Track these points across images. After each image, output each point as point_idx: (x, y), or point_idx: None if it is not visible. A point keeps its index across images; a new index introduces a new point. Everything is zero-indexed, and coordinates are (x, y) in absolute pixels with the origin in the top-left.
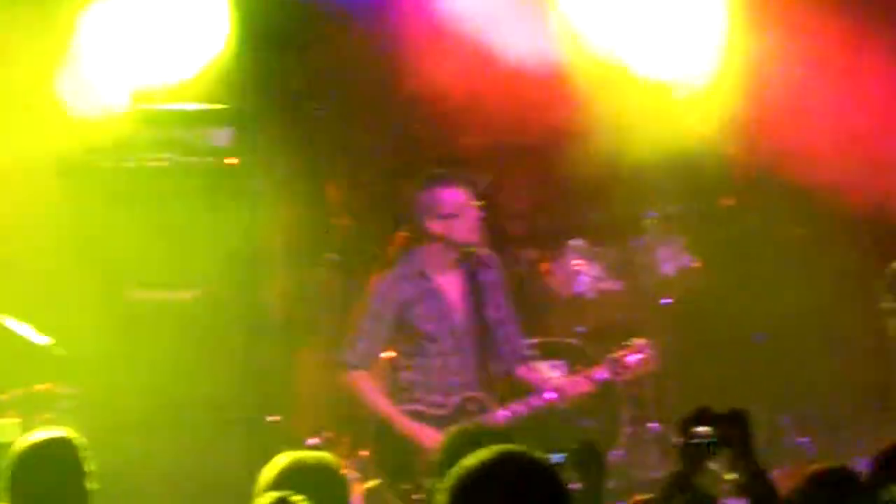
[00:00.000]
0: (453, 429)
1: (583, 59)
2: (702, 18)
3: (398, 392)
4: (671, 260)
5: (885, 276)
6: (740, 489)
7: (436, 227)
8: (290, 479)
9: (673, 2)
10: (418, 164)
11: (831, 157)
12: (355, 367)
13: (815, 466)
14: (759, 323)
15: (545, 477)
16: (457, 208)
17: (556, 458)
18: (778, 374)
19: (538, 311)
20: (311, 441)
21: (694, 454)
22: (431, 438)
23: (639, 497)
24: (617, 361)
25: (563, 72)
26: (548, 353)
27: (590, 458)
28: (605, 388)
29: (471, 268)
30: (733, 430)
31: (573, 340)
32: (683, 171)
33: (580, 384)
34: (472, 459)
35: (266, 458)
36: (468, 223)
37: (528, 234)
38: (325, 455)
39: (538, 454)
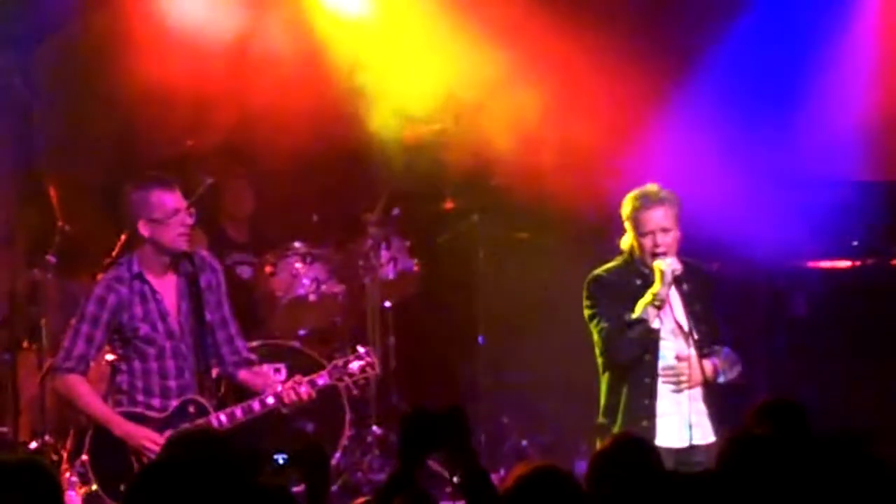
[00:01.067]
0: (175, 432)
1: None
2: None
3: (118, 395)
4: (392, 263)
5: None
6: (459, 489)
7: (145, 229)
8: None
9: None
10: (140, 166)
11: (552, 164)
12: (71, 371)
13: (526, 465)
14: (480, 325)
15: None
16: (166, 213)
17: (279, 457)
18: (499, 376)
19: (260, 313)
20: (32, 445)
21: (412, 453)
22: (147, 437)
23: (360, 500)
24: (339, 368)
25: (289, 74)
26: (269, 355)
27: (315, 459)
28: (328, 390)
29: (190, 270)
30: (450, 429)
31: (294, 343)
32: (404, 174)
33: (301, 390)
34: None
35: None
36: (176, 229)
37: (250, 236)
38: (34, 456)
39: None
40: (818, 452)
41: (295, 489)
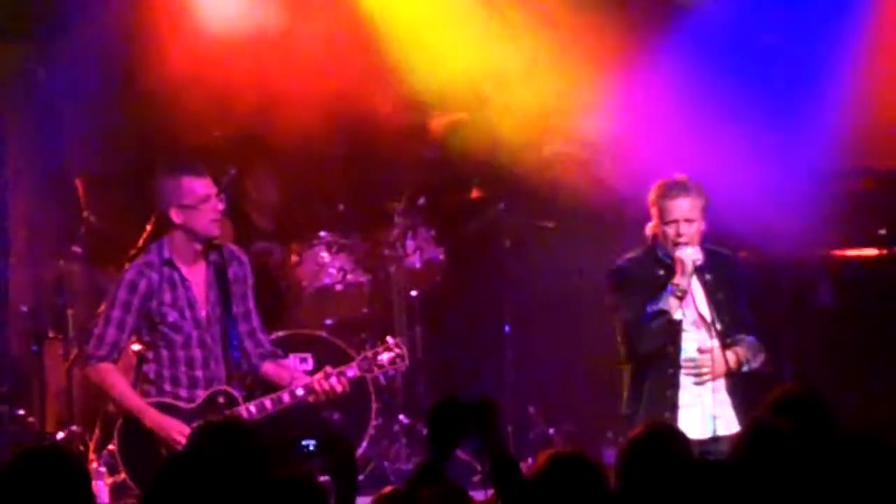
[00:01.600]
0: (202, 422)
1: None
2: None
3: (145, 384)
4: (418, 252)
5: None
6: (488, 478)
7: (177, 216)
8: (23, 470)
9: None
10: (165, 156)
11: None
12: (102, 360)
13: (553, 451)
14: (506, 314)
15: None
16: (198, 199)
17: (308, 443)
18: (525, 366)
19: (286, 303)
20: (59, 435)
21: (442, 443)
22: (178, 429)
23: (387, 489)
24: (369, 359)
25: (315, 63)
26: (295, 345)
27: (342, 447)
28: (355, 381)
29: (218, 261)
30: (481, 419)
31: (321, 333)
32: (431, 164)
33: (332, 382)
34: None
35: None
36: (209, 215)
37: (276, 226)
38: (60, 445)
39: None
40: (839, 448)
41: (322, 478)
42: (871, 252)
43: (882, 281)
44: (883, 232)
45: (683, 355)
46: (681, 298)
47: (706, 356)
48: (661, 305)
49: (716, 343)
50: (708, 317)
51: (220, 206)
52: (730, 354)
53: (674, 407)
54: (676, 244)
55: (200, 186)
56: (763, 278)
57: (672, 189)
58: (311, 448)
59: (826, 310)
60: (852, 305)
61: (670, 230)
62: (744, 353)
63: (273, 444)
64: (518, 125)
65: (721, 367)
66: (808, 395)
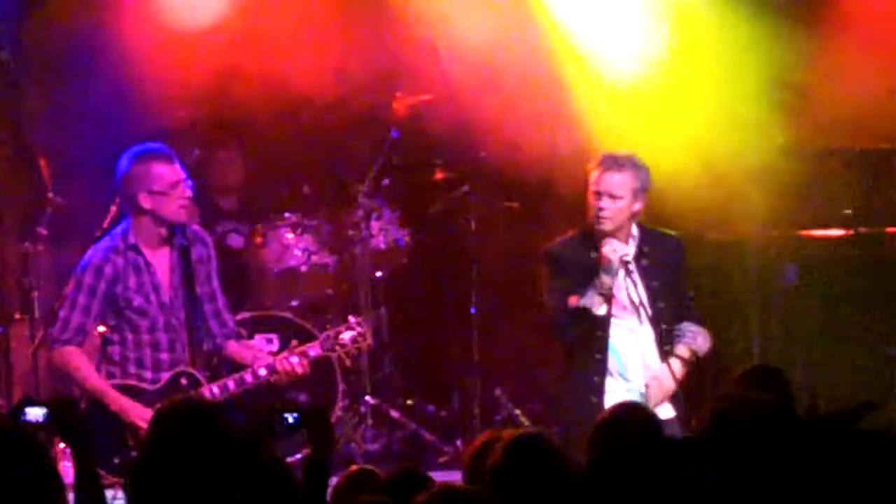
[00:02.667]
0: (164, 403)
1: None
2: None
3: (109, 367)
4: (383, 233)
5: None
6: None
7: (146, 201)
8: None
9: None
10: (129, 137)
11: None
12: (66, 343)
13: (510, 432)
14: (472, 295)
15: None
16: (167, 186)
17: (288, 416)
18: (491, 346)
19: (251, 284)
20: None
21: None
22: (140, 414)
23: (354, 468)
24: (332, 339)
25: (274, 46)
26: (261, 326)
27: (321, 420)
28: (320, 362)
29: (182, 244)
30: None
31: (286, 314)
32: (395, 145)
33: (293, 361)
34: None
35: None
36: (178, 201)
37: (240, 207)
38: (23, 428)
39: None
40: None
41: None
42: (837, 232)
43: (847, 261)
44: (848, 212)
45: (612, 340)
46: (604, 296)
47: (654, 384)
48: (585, 302)
49: (649, 329)
50: (638, 301)
51: (189, 193)
52: (676, 364)
53: (600, 393)
54: (597, 219)
55: (170, 173)
56: (730, 258)
57: (606, 161)
58: (291, 421)
59: (791, 290)
60: (818, 286)
61: (593, 203)
62: (688, 351)
63: (253, 419)
64: (484, 106)
65: (670, 386)
66: (769, 375)
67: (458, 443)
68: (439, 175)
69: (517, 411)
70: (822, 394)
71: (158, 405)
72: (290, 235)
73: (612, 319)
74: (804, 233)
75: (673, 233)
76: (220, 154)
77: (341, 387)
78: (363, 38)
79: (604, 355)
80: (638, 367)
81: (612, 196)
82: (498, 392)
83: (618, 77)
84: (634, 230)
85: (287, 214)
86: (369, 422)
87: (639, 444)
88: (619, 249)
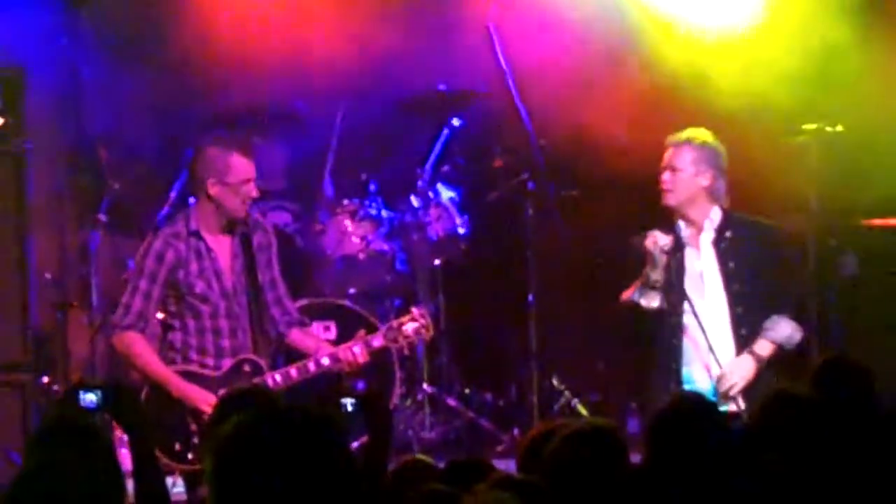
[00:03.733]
0: (228, 390)
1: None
2: None
3: (170, 353)
4: (441, 221)
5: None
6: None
7: (213, 188)
8: (47, 439)
9: None
10: (189, 126)
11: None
12: (129, 328)
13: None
14: (529, 284)
15: (310, 432)
16: (240, 180)
17: (346, 402)
18: (549, 336)
19: (309, 271)
20: None
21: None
22: (205, 399)
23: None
24: (395, 330)
25: (335, 32)
26: (319, 313)
27: (379, 407)
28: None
29: (243, 230)
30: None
31: (344, 301)
32: (455, 132)
33: (356, 352)
34: (229, 424)
35: (40, 420)
36: (244, 198)
37: (298, 195)
38: (83, 414)
39: (302, 410)
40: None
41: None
42: None
43: None
44: None
45: (685, 322)
46: (655, 289)
47: (728, 375)
48: (635, 297)
49: (724, 316)
50: (714, 285)
51: (255, 194)
52: (752, 358)
53: (678, 379)
54: (661, 194)
55: (246, 168)
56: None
57: (670, 139)
58: (351, 408)
59: (851, 280)
60: (877, 276)
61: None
62: (770, 345)
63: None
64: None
65: (744, 378)
66: (853, 365)
67: (516, 432)
68: (498, 163)
69: (575, 400)
70: (883, 388)
71: (222, 391)
72: (348, 223)
73: (686, 304)
74: (865, 222)
75: (771, 223)
76: (280, 141)
77: (398, 374)
78: (419, 23)
79: (679, 341)
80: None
81: (672, 168)
82: (555, 381)
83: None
84: (715, 214)
85: (346, 201)
86: (426, 410)
87: (696, 440)
88: (660, 241)
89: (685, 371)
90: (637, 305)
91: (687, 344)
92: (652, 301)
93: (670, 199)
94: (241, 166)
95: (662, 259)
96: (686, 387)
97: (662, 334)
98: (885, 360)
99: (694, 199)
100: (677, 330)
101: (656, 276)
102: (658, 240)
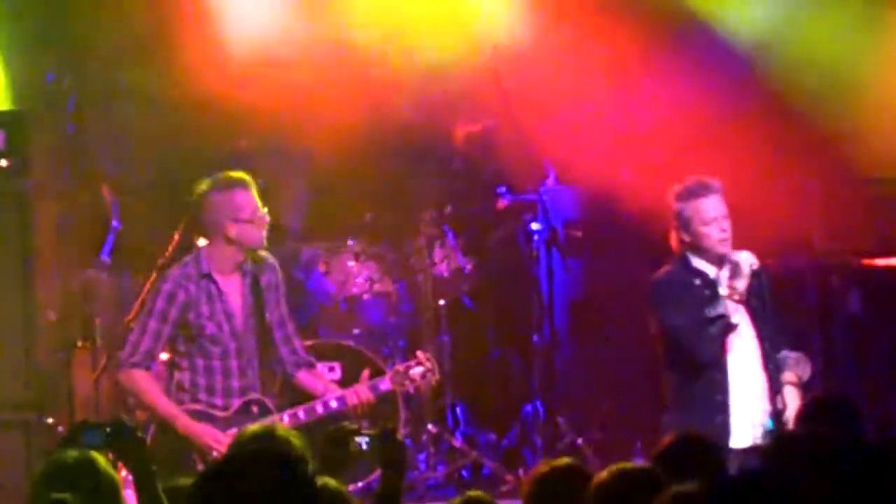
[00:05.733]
0: (245, 429)
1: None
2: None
3: (179, 392)
4: (446, 261)
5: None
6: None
7: (232, 230)
8: (53, 479)
9: None
10: (192, 166)
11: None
12: (136, 366)
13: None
14: (534, 324)
15: (291, 470)
16: (252, 214)
17: (361, 441)
18: (553, 375)
19: (315, 312)
20: None
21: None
22: (212, 436)
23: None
24: (401, 374)
25: (337, 76)
26: (323, 354)
27: (393, 447)
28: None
29: (252, 270)
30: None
31: (349, 342)
32: (457, 172)
33: (363, 394)
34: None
35: (44, 461)
36: (261, 228)
37: (303, 235)
38: (87, 453)
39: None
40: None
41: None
42: None
43: None
44: None
45: (731, 358)
46: (738, 302)
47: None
48: (720, 310)
49: (756, 349)
50: (749, 325)
51: (267, 219)
52: (794, 390)
53: (725, 411)
54: (722, 241)
55: (250, 200)
56: (792, 286)
57: (699, 188)
58: (364, 446)
59: (855, 318)
60: (881, 314)
61: (712, 230)
62: (796, 377)
63: (327, 442)
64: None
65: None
66: (839, 403)
67: (521, 472)
68: (501, 203)
69: (579, 440)
70: (886, 425)
71: (231, 431)
72: (352, 263)
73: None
74: (867, 261)
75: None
76: (284, 182)
77: (403, 414)
78: (424, 65)
79: (724, 374)
80: (751, 385)
81: (725, 216)
82: (560, 420)
83: None
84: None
85: (350, 242)
86: (430, 450)
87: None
88: (747, 258)
89: (732, 405)
90: (725, 317)
91: (733, 374)
92: (733, 314)
93: (729, 247)
94: (246, 200)
95: (748, 274)
96: (731, 417)
97: (712, 365)
98: (886, 397)
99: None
100: (722, 362)
101: (741, 288)
102: (747, 257)
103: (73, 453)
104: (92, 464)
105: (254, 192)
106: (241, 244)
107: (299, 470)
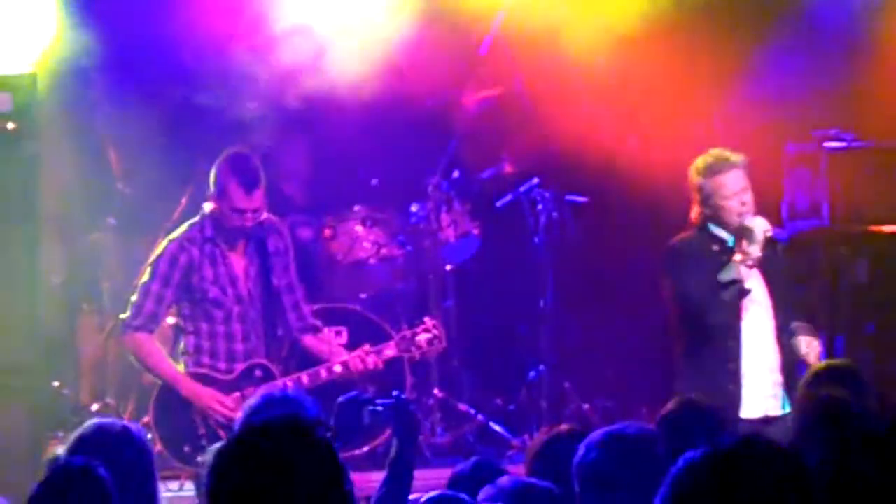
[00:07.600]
0: (257, 394)
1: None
2: None
3: (184, 356)
4: (453, 226)
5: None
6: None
7: (216, 204)
8: (90, 445)
9: None
10: (200, 129)
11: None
12: (139, 329)
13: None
14: (540, 290)
15: (310, 443)
16: (236, 208)
17: (383, 402)
18: (560, 340)
19: (320, 276)
20: (93, 407)
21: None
22: (214, 398)
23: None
24: (407, 340)
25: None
26: (330, 318)
27: (405, 414)
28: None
29: (259, 235)
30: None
31: (355, 306)
32: (465, 138)
33: (368, 360)
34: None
35: (50, 424)
36: (239, 221)
37: (310, 200)
38: (125, 423)
39: (300, 421)
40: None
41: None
42: None
43: None
44: None
45: (744, 326)
46: (751, 268)
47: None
48: (734, 275)
49: (770, 319)
50: (765, 296)
51: (248, 224)
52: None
53: (737, 380)
54: (742, 214)
55: (244, 200)
56: (799, 256)
57: (721, 164)
58: (380, 409)
59: (861, 287)
60: (888, 283)
61: (733, 203)
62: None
63: (340, 408)
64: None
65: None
66: (847, 369)
67: (526, 437)
68: (508, 168)
69: (585, 406)
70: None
71: (234, 395)
72: (359, 228)
73: (747, 304)
74: (874, 228)
75: (781, 232)
76: (290, 146)
77: (409, 380)
78: (432, 33)
79: (738, 342)
80: (764, 356)
81: (746, 189)
82: (567, 386)
83: None
84: None
85: (357, 207)
86: (437, 415)
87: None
88: (761, 224)
89: (743, 373)
90: (739, 282)
91: (747, 343)
92: (747, 280)
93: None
94: (236, 195)
95: (762, 241)
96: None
97: (724, 334)
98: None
99: None
100: (736, 331)
101: (755, 254)
102: (762, 223)
103: (112, 423)
104: (129, 433)
105: (251, 194)
106: (223, 216)
107: (321, 435)
